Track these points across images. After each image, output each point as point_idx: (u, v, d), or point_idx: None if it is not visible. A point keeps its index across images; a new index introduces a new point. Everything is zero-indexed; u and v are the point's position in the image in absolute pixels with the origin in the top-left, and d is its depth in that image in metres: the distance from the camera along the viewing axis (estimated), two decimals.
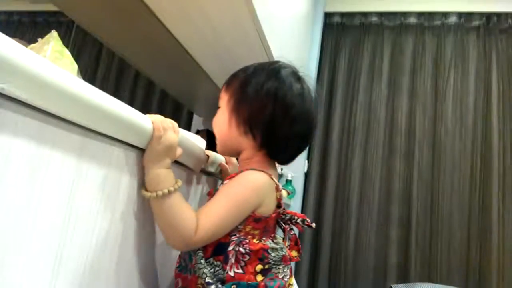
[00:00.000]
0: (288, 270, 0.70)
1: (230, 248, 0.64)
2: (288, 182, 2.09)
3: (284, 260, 0.68)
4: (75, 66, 0.68)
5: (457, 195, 1.94)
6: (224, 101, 0.77)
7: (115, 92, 2.38)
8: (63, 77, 0.43)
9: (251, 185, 0.67)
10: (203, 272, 0.62)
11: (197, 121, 2.40)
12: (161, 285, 0.76)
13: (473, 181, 1.95)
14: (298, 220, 0.74)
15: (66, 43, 0.72)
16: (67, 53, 0.70)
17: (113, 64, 2.52)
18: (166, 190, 0.59)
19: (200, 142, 0.92)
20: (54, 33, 0.66)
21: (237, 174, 0.69)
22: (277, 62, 0.79)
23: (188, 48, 1.51)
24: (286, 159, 0.79)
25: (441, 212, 1.94)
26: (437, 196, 1.96)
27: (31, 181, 0.43)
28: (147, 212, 0.66)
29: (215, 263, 0.63)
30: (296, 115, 0.72)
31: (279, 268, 0.67)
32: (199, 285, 0.63)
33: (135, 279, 0.65)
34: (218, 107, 0.79)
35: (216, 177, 0.99)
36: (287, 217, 0.74)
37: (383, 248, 1.96)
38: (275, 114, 0.71)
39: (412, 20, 2.25)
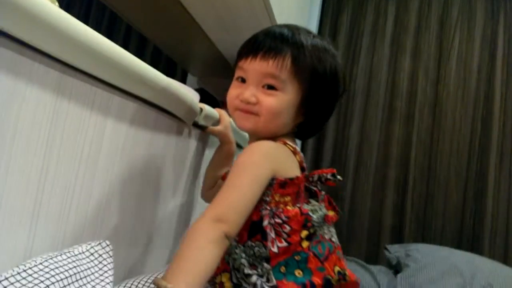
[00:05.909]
0: (333, 229, 0.67)
1: (265, 222, 0.59)
2: None
3: (326, 219, 0.65)
4: (56, 4, 0.62)
5: (455, 159, 1.93)
6: (285, 82, 0.65)
7: None
8: (39, 2, 0.39)
9: (257, 150, 0.63)
10: (241, 263, 0.58)
11: (192, 81, 2.34)
12: (153, 238, 0.74)
13: (472, 145, 1.93)
14: (329, 176, 0.68)
15: None
16: None
17: (103, 18, 2.42)
18: None
19: (193, 95, 0.88)
20: None
21: None
22: (321, 37, 0.72)
23: (184, 1, 1.43)
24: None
25: (438, 175, 1.93)
26: (435, 160, 1.95)
27: (4, 116, 0.39)
28: (132, 159, 0.63)
29: (253, 244, 0.59)
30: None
31: (324, 229, 0.64)
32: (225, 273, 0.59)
33: (122, 228, 0.63)
34: (268, 86, 0.65)
35: (208, 132, 0.95)
36: (315, 178, 0.69)
37: (379, 210, 1.97)
38: (336, 100, 0.70)
39: None
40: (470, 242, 1.84)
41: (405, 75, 2.04)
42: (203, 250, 0.51)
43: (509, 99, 1.92)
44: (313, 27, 2.21)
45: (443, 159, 1.93)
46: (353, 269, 1.25)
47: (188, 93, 0.76)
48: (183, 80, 2.36)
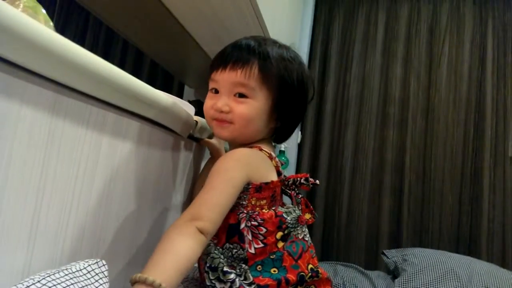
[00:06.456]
0: (306, 229, 0.70)
1: (242, 225, 0.62)
2: (282, 153, 2.08)
3: (300, 220, 0.68)
4: (50, 24, 0.64)
5: (450, 163, 1.95)
6: (255, 90, 0.68)
7: None
8: (32, 26, 0.40)
9: (230, 157, 0.67)
10: (219, 262, 0.60)
11: (188, 93, 2.35)
12: (149, 248, 0.75)
13: (465, 149, 1.95)
14: (302, 180, 0.73)
15: (51, 13, 0.67)
16: (41, 10, 0.65)
17: (100, 34, 2.44)
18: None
19: (188, 108, 0.89)
20: None
21: None
22: (287, 46, 0.77)
23: (178, 16, 1.45)
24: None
25: (433, 180, 1.94)
26: (430, 165, 1.97)
27: None
28: (129, 175, 0.64)
29: (231, 246, 0.62)
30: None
31: (297, 230, 0.67)
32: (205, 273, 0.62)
33: (120, 244, 0.64)
34: (239, 94, 0.68)
35: (202, 144, 0.97)
36: (290, 182, 0.73)
37: (376, 216, 1.98)
38: (306, 105, 0.75)
39: None
40: (467, 245, 1.85)
41: (397, 81, 2.07)
42: (174, 241, 0.53)
43: (500, 101, 1.94)
44: (306, 37, 2.24)
45: (437, 163, 1.95)
46: (352, 276, 1.27)
47: (183, 107, 0.78)
48: (180, 92, 2.38)
